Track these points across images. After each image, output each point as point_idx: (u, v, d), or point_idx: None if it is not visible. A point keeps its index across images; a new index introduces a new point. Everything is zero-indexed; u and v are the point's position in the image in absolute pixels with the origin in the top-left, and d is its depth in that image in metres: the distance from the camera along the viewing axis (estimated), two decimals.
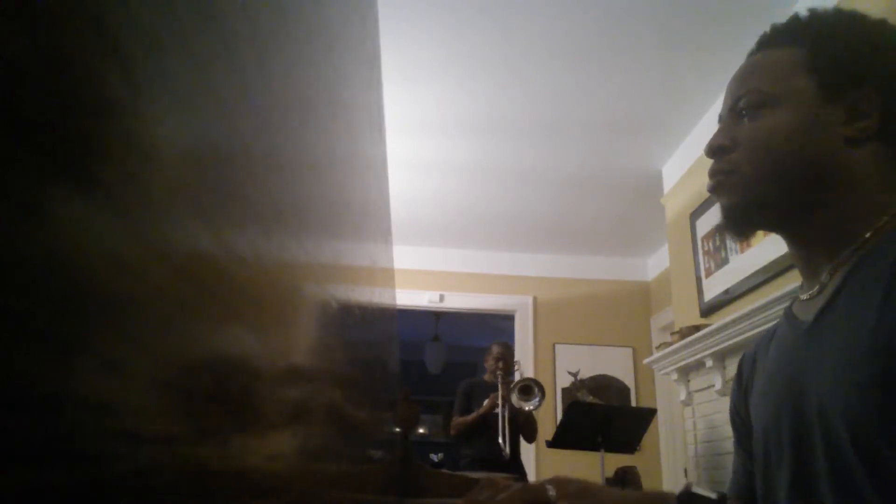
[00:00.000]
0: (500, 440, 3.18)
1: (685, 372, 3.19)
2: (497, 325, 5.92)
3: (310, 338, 0.39)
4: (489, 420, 3.35)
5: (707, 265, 3.14)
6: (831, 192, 0.64)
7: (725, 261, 2.96)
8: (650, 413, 3.28)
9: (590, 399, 4.01)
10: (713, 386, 2.87)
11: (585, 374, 4.64)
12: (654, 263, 4.93)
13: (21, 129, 0.11)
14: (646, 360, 3.66)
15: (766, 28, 0.73)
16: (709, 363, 2.83)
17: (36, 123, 0.11)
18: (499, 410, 3.28)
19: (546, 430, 3.60)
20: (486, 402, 3.38)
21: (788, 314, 0.71)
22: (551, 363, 4.74)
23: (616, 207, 4.19)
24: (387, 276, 1.12)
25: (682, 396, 3.23)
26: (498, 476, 1.79)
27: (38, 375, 0.11)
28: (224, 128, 0.22)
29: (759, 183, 0.67)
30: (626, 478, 3.62)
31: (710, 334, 2.72)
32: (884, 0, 1.91)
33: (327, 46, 0.45)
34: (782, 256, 2.34)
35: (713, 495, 0.44)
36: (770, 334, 0.76)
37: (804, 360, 0.63)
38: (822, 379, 0.59)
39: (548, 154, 3.56)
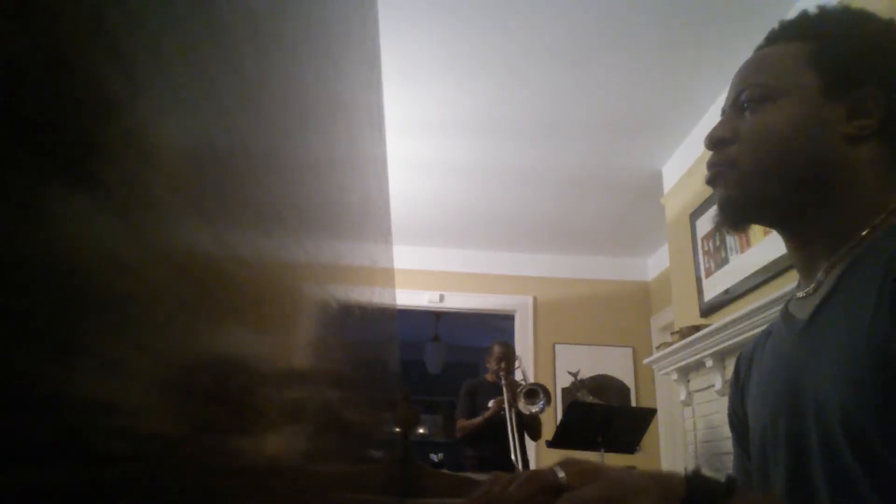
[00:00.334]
0: (511, 444, 3.19)
1: (685, 372, 3.19)
2: (497, 325, 5.92)
3: (310, 338, 0.39)
4: (494, 422, 3.37)
5: (707, 265, 3.14)
6: (829, 190, 0.64)
7: (725, 261, 2.96)
8: (650, 413, 3.28)
9: (590, 399, 4.01)
10: (713, 386, 2.87)
11: (585, 374, 4.64)
12: (654, 263, 4.93)
13: (21, 129, 0.11)
14: (646, 360, 3.66)
15: (766, 28, 0.73)
16: (709, 363, 2.83)
17: (36, 123, 0.11)
18: (505, 413, 3.30)
19: (546, 430, 3.60)
20: (491, 405, 3.41)
21: (785, 312, 0.71)
22: (551, 363, 4.74)
23: (616, 207, 4.19)
24: (387, 276, 1.12)
25: (682, 396, 3.23)
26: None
27: (38, 375, 0.11)
28: (224, 128, 0.22)
29: (757, 177, 0.67)
30: None
31: (710, 334, 2.72)
32: (884, 0, 1.91)
33: (327, 46, 0.45)
34: (782, 256, 2.34)
35: (721, 478, 0.44)
36: (767, 333, 0.76)
37: (800, 358, 0.63)
38: (819, 377, 0.59)
39: (548, 154, 3.56)
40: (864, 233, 0.62)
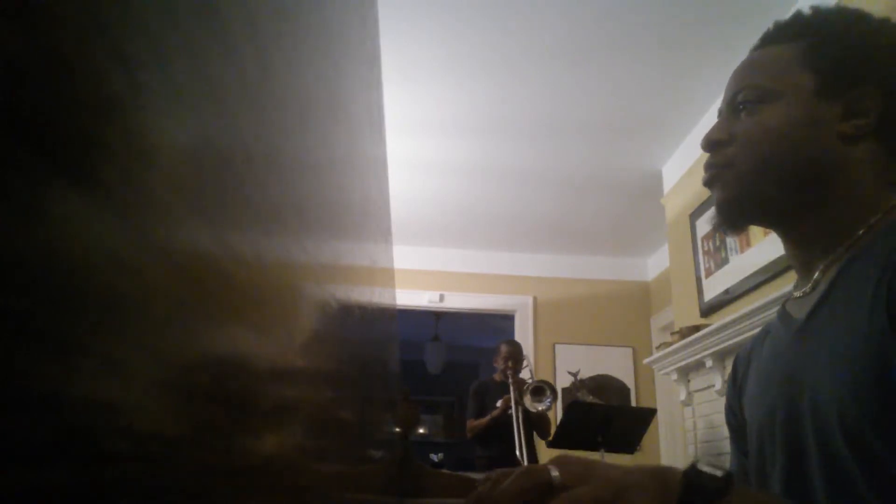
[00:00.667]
0: (516, 442, 3.19)
1: (685, 372, 3.20)
2: (497, 325, 5.92)
3: (310, 338, 0.39)
4: (502, 421, 3.38)
5: (707, 265, 3.14)
6: (826, 189, 0.64)
7: (725, 261, 2.96)
8: (650, 413, 3.28)
9: (590, 399, 4.00)
10: (713, 386, 2.88)
11: (585, 374, 4.64)
12: (654, 263, 4.93)
13: (21, 129, 0.11)
14: (646, 360, 3.66)
15: (767, 28, 0.73)
16: (709, 363, 2.83)
17: (36, 123, 0.11)
18: (512, 412, 3.30)
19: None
20: (498, 404, 3.42)
21: (782, 312, 0.71)
22: (551, 363, 4.75)
23: (616, 207, 4.20)
24: (387, 276, 1.12)
25: (682, 396, 3.23)
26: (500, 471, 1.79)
27: (38, 375, 0.11)
28: (224, 127, 0.22)
29: (753, 178, 0.67)
30: None
31: (710, 334, 2.72)
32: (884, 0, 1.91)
33: (327, 46, 0.45)
34: (782, 257, 2.34)
35: (718, 473, 0.44)
36: (764, 332, 0.76)
37: (797, 357, 0.64)
38: (815, 376, 0.59)
39: (548, 154, 3.56)
40: (860, 232, 0.62)
